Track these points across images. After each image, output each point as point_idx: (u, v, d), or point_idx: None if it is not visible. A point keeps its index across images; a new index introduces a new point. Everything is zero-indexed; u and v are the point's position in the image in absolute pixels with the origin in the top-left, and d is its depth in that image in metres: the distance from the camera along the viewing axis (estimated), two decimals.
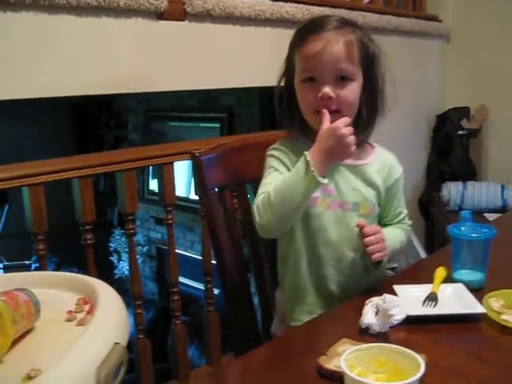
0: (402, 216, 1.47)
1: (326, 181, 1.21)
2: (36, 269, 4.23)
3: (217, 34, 2.39)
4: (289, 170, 1.32)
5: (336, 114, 1.27)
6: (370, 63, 1.32)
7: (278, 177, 1.30)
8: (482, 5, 3.91)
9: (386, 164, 1.41)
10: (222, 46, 2.44)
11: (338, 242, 1.34)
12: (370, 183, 1.37)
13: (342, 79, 1.27)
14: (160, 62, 2.23)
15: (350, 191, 1.35)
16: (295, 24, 2.63)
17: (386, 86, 1.35)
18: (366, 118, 1.35)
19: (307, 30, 1.30)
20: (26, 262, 4.77)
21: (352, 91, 1.28)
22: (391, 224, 1.46)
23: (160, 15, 2.16)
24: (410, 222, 1.49)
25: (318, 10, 2.75)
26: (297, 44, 1.31)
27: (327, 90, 1.25)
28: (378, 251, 1.28)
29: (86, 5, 1.91)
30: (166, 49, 2.24)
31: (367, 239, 1.27)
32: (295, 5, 2.65)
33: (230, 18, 2.39)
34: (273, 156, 1.36)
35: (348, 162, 1.34)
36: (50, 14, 1.88)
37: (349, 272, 1.36)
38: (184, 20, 2.25)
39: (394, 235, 1.42)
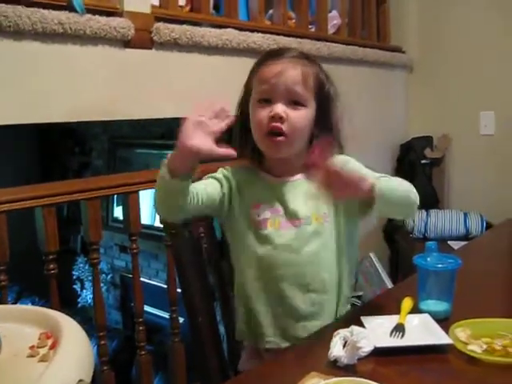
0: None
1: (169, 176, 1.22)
2: None
3: (184, 62, 2.39)
4: (220, 187, 1.37)
5: (283, 137, 1.30)
6: (324, 99, 1.36)
7: (201, 183, 1.34)
8: (443, 36, 4.00)
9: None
10: (189, 74, 2.44)
11: (298, 260, 1.34)
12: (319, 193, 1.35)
13: (295, 103, 1.30)
14: (126, 90, 2.21)
15: (300, 206, 1.35)
16: (262, 53, 2.66)
17: (344, 126, 1.39)
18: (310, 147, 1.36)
19: (267, 56, 1.36)
20: None
21: (302, 116, 1.31)
22: None
23: (127, 43, 2.15)
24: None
25: (284, 40, 2.78)
26: (256, 67, 1.36)
27: (279, 109, 1.29)
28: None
29: (52, 31, 1.90)
30: (132, 77, 2.23)
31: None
32: (262, 35, 2.66)
33: (196, 47, 2.40)
34: (215, 173, 1.40)
35: (294, 178, 1.38)
36: (14, 40, 1.85)
37: (315, 288, 1.35)
38: (151, 48, 2.25)
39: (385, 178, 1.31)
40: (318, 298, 1.35)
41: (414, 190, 1.30)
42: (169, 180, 1.21)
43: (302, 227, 1.34)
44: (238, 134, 1.39)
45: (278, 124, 1.28)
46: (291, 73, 1.30)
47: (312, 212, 1.35)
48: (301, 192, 1.37)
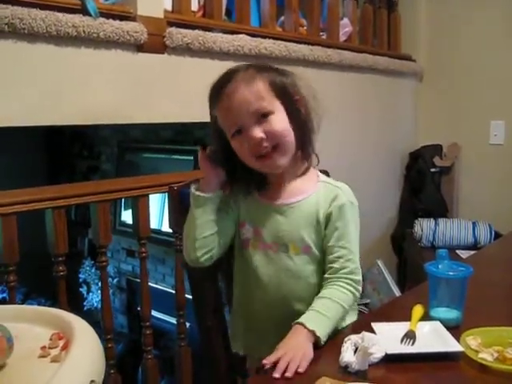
0: (342, 260, 1.31)
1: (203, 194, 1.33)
2: (3, 299, 4.14)
3: (195, 67, 2.40)
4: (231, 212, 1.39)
5: (275, 149, 1.29)
6: (287, 95, 1.32)
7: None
8: (453, 45, 4.00)
9: (329, 195, 1.35)
10: (201, 79, 2.43)
11: (268, 284, 1.35)
12: (304, 221, 1.34)
13: (263, 116, 1.28)
14: (138, 94, 2.22)
15: (279, 232, 1.34)
16: (273, 60, 2.66)
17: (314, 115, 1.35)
18: (299, 147, 1.35)
19: (218, 89, 1.34)
20: None
21: (276, 122, 1.29)
22: (329, 278, 1.32)
23: (140, 47, 2.16)
24: (356, 278, 1.33)
25: (295, 47, 2.78)
26: (213, 104, 1.36)
27: (255, 132, 1.27)
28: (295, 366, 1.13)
29: (66, 35, 1.91)
30: (144, 81, 2.23)
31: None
32: (273, 41, 2.67)
33: (208, 52, 2.41)
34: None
35: (279, 201, 1.36)
36: (29, 43, 1.86)
37: (280, 313, 1.34)
38: (163, 53, 2.26)
39: (330, 305, 1.28)
40: (283, 322, 1.30)
41: (349, 297, 1.31)
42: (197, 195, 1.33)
43: (278, 254, 1.34)
44: (224, 162, 1.36)
45: (262, 147, 1.27)
46: (242, 97, 1.27)
47: (290, 240, 1.34)
48: (284, 217, 1.35)
